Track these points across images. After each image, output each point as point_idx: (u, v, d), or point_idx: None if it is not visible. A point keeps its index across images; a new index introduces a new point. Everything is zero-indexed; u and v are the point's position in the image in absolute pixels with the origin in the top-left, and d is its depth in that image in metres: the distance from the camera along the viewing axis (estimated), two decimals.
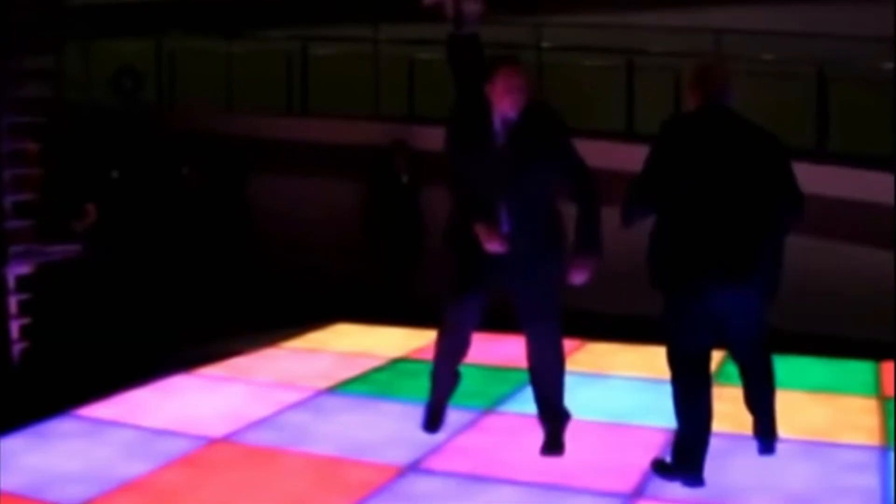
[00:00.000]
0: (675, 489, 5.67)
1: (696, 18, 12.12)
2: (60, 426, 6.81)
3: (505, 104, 6.10)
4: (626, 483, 5.84)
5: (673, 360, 5.73)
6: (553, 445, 6.20)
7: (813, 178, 10.50)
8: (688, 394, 5.67)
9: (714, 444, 5.75)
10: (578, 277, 5.99)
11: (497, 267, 6.02)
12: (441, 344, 6.42)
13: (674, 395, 5.72)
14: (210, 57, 14.28)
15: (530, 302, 6.13)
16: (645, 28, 12.39)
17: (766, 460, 6.14)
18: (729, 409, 6.37)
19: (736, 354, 6.08)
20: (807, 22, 11.84)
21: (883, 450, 6.48)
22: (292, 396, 7.53)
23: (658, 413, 6.68)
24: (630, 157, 10.25)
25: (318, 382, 7.92)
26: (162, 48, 14.52)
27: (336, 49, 13.79)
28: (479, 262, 6.04)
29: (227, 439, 6.58)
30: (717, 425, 5.77)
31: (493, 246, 5.93)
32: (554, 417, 6.26)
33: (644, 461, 6.05)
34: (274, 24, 14.45)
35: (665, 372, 5.76)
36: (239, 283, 11.80)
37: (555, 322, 6.16)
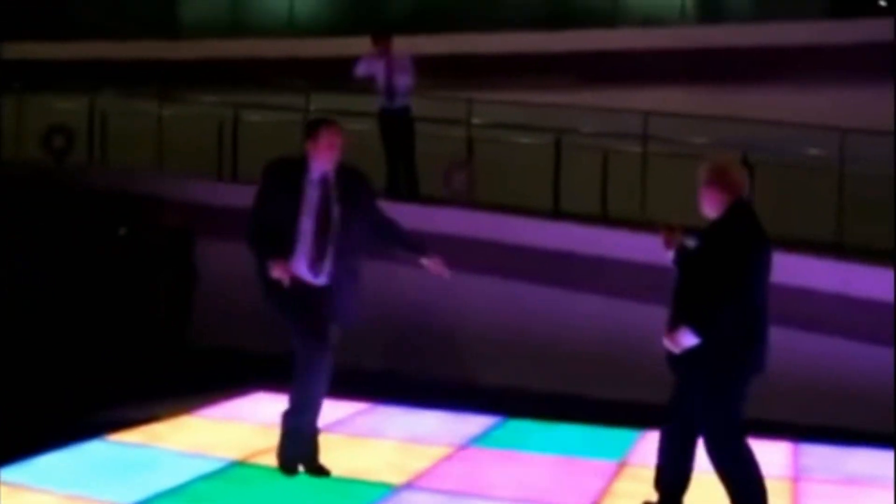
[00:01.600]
0: None
1: (625, 99, 12.31)
2: None
3: (325, 159, 6.90)
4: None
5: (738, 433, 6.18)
6: None
7: None
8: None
9: None
10: (443, 269, 7.03)
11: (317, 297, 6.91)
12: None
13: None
14: (142, 118, 14.27)
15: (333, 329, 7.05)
16: (575, 108, 12.57)
17: None
18: None
19: None
20: (733, 106, 12.07)
21: None
22: (205, 466, 7.43)
23: None
24: (556, 235, 10.48)
25: (232, 453, 7.82)
26: (94, 107, 14.48)
27: (267, 116, 13.84)
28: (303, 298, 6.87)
29: None
30: None
31: (279, 272, 6.67)
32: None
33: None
34: (207, 88, 14.49)
35: None
36: (170, 347, 11.73)
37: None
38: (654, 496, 6.52)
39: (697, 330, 6.03)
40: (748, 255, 6.14)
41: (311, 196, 6.88)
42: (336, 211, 6.91)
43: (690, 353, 6.08)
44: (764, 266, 6.23)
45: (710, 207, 6.32)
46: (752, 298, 6.14)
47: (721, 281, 6.06)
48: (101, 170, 14.07)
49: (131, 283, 12.11)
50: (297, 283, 6.77)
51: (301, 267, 6.86)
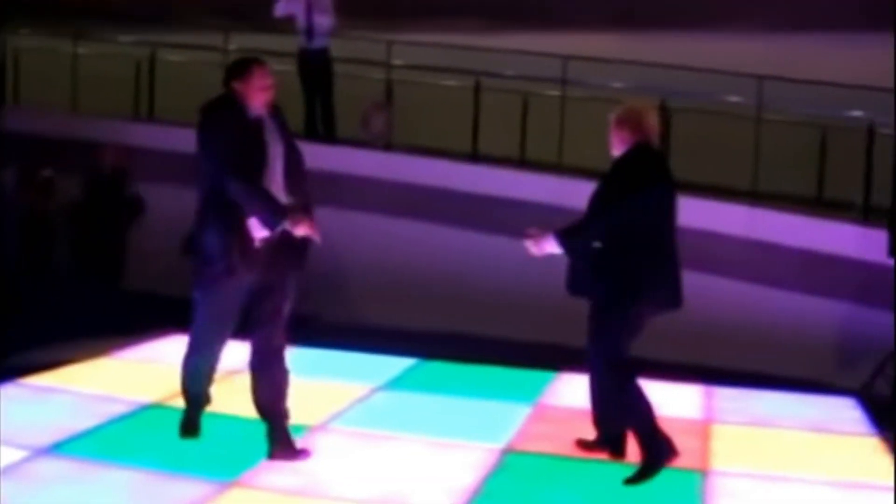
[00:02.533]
0: None
1: (545, 43, 12.30)
2: None
3: (259, 100, 6.36)
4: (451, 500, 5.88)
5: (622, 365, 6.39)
6: None
7: None
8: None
9: None
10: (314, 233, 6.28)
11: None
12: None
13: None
14: (57, 58, 14.03)
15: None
16: (495, 51, 12.56)
17: (586, 482, 6.26)
18: None
19: None
20: (653, 52, 12.11)
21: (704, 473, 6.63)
22: (120, 409, 7.38)
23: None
24: (474, 177, 10.46)
25: (147, 395, 7.78)
26: (6, 45, 14.20)
27: (185, 56, 13.67)
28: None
29: (49, 451, 6.43)
30: None
31: (306, 229, 6.22)
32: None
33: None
34: (122, 28, 14.27)
35: None
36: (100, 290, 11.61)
37: None
38: (573, 436, 6.66)
39: (561, 239, 6.32)
40: (640, 190, 6.30)
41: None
42: (280, 154, 6.39)
43: (585, 286, 6.41)
44: (664, 206, 6.38)
45: (618, 148, 6.50)
46: (650, 236, 6.28)
47: (602, 206, 6.35)
48: (15, 111, 13.83)
49: (64, 225, 11.92)
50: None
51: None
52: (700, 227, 10.42)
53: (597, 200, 6.44)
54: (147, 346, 9.51)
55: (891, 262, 9.03)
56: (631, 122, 6.48)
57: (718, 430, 7.65)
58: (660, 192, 6.38)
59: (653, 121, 6.59)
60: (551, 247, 6.34)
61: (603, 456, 6.64)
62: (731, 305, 10.15)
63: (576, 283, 6.50)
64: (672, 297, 6.46)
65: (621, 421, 6.53)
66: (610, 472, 6.49)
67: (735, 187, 11.06)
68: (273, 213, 6.08)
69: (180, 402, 7.48)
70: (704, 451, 7.17)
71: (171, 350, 9.40)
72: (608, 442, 6.65)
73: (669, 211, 6.43)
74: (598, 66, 12.12)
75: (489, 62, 12.05)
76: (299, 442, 6.54)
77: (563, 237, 6.32)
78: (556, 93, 11.88)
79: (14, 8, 14.91)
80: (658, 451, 6.34)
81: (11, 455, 6.27)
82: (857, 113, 10.77)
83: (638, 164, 6.41)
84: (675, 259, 6.43)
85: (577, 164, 11.12)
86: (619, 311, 6.32)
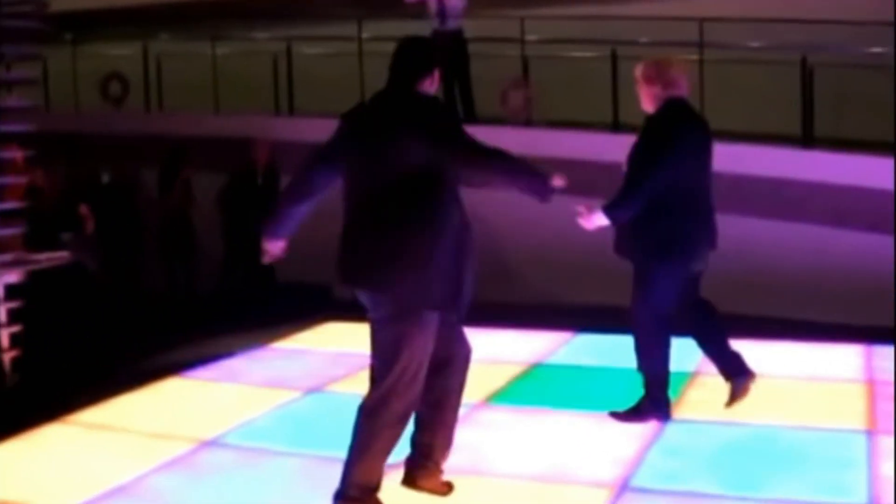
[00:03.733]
0: (664, 480, 5.70)
1: (680, 8, 12.12)
2: (52, 432, 6.82)
3: None
4: (616, 472, 5.87)
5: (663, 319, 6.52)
6: None
7: (801, 163, 10.61)
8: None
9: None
10: None
11: None
12: None
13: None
14: (195, 60, 14.30)
15: None
16: (629, 18, 12.43)
17: (753, 446, 6.19)
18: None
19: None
20: (790, 8, 11.85)
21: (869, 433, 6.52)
22: (283, 397, 7.54)
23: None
24: (617, 148, 10.30)
25: (308, 382, 7.92)
26: (148, 53, 14.52)
27: (321, 48, 13.82)
28: None
29: (217, 441, 6.59)
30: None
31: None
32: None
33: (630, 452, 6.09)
34: (257, 25, 14.48)
35: None
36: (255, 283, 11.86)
37: None
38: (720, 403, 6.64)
39: (608, 212, 6.36)
40: (678, 150, 6.33)
41: None
42: None
43: (628, 247, 6.53)
44: (701, 160, 6.47)
45: (648, 103, 6.59)
46: (689, 192, 6.39)
47: (642, 169, 6.36)
48: (158, 115, 14.16)
49: (218, 222, 12.16)
50: None
51: None
52: (850, 183, 10.21)
53: (636, 163, 6.45)
54: (300, 336, 9.68)
55: None
56: (661, 77, 6.53)
57: (881, 391, 7.48)
58: (695, 147, 6.45)
59: (678, 73, 6.61)
60: (602, 220, 6.41)
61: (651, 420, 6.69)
62: (887, 261, 9.90)
63: (621, 244, 6.61)
64: (710, 243, 6.59)
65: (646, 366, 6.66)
66: (768, 435, 6.43)
67: (882, 139, 10.78)
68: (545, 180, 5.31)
69: (341, 388, 7.64)
70: (870, 411, 7.03)
71: (326, 338, 9.60)
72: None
73: (706, 163, 6.53)
74: (735, 27, 11.92)
75: (624, 30, 11.91)
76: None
77: (610, 211, 6.38)
78: (693, 56, 11.72)
79: (152, 15, 15.27)
80: (657, 406, 6.66)
81: (180, 446, 6.45)
82: None
83: (672, 122, 6.43)
84: (712, 207, 6.56)
85: (720, 127, 10.93)
86: (665, 271, 6.43)
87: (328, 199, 5.49)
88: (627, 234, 6.51)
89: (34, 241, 8.72)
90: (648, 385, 6.68)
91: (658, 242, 6.39)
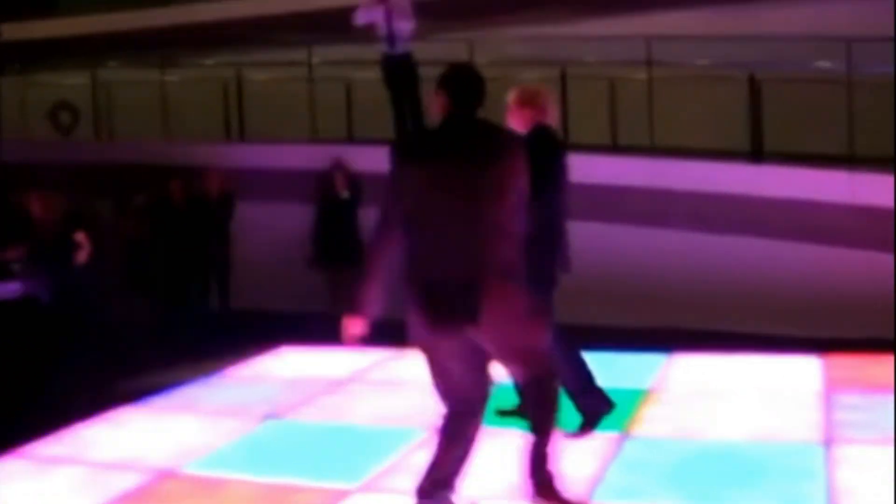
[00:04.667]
0: (624, 494, 5.70)
1: (627, 26, 12.22)
2: (7, 466, 6.75)
3: None
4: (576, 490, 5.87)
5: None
6: None
7: (750, 178, 10.70)
8: None
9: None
10: None
11: None
12: None
13: None
14: (145, 87, 14.26)
15: None
16: (577, 39, 12.50)
17: (712, 461, 6.22)
18: None
19: None
20: (736, 25, 11.97)
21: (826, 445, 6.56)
22: (239, 424, 7.49)
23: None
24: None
25: (264, 409, 7.88)
26: (97, 81, 14.47)
27: (271, 74, 13.81)
28: None
29: (175, 471, 6.54)
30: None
31: None
32: None
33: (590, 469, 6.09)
34: (207, 51, 14.45)
35: None
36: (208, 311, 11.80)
37: None
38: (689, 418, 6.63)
39: None
40: (546, 181, 6.30)
41: None
42: None
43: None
44: (559, 186, 6.60)
45: (519, 126, 6.62)
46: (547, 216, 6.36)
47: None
48: (109, 143, 14.09)
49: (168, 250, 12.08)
50: None
51: None
52: (802, 197, 10.31)
53: None
54: (257, 363, 9.63)
55: None
56: (533, 102, 6.76)
57: (837, 401, 7.54)
58: (558, 175, 6.65)
59: (551, 102, 6.93)
60: None
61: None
62: (842, 274, 9.99)
63: None
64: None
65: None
66: (726, 449, 6.47)
67: (832, 153, 10.89)
68: None
69: (295, 415, 7.61)
70: (825, 422, 7.08)
71: (282, 364, 9.56)
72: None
73: (564, 188, 6.73)
74: (683, 45, 12.01)
75: (572, 50, 11.99)
76: None
77: None
78: (642, 75, 11.81)
79: (100, 43, 15.20)
80: (595, 406, 6.81)
81: (137, 478, 6.40)
82: None
83: (541, 151, 6.39)
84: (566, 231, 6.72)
85: (669, 145, 11.04)
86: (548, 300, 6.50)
87: (287, 226, 5.49)
88: None
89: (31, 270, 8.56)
90: (575, 398, 6.72)
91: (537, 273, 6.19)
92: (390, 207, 5.21)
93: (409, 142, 5.33)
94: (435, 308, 5.05)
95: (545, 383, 5.35)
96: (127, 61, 14.77)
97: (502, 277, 5.05)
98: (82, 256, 10.15)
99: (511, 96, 6.83)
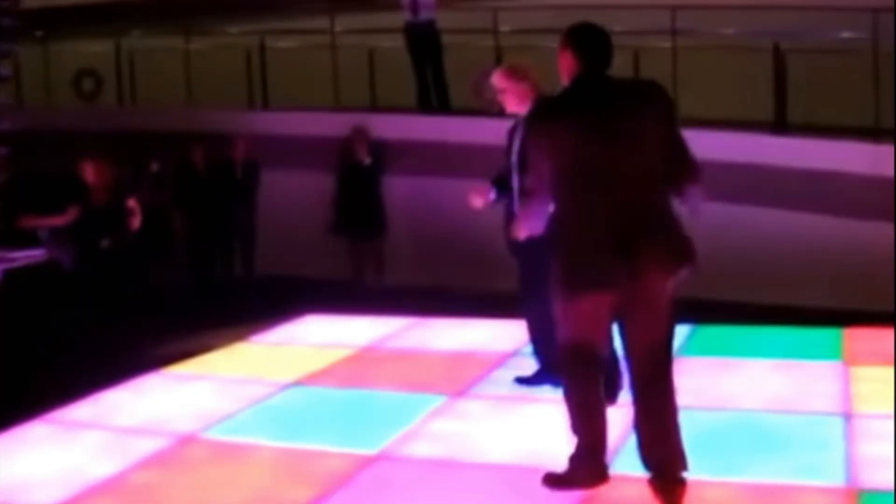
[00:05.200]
0: (639, 466, 5.71)
1: None
2: (32, 430, 6.81)
3: None
4: None
5: None
6: None
7: (773, 149, 10.65)
8: None
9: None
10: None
11: None
12: None
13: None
14: (169, 55, 14.26)
15: None
16: (602, 7, 12.42)
17: (731, 430, 6.23)
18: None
19: None
20: None
21: (845, 417, 6.56)
22: (262, 391, 7.54)
23: None
24: None
25: (287, 376, 7.93)
26: (120, 49, 14.48)
27: (294, 41, 13.80)
28: None
29: (196, 436, 6.59)
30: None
31: None
32: None
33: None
34: (230, 19, 14.44)
35: None
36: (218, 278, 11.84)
37: None
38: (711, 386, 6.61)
39: None
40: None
41: None
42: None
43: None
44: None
45: (522, 103, 6.74)
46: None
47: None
48: (131, 110, 14.13)
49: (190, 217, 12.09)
50: None
51: None
52: (824, 168, 10.26)
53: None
54: (281, 330, 9.67)
55: None
56: (530, 76, 6.78)
57: (858, 373, 7.53)
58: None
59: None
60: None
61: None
62: (862, 245, 9.96)
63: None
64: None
65: None
66: (746, 419, 6.49)
67: (857, 125, 10.83)
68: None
69: (318, 381, 7.66)
70: (845, 393, 7.08)
71: (305, 331, 9.60)
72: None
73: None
74: (707, 14, 11.96)
75: (597, 18, 11.90)
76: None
77: None
78: (666, 44, 11.76)
79: (124, 11, 15.21)
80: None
81: (160, 442, 6.45)
82: None
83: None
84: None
85: (693, 115, 10.99)
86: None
87: (310, 193, 5.50)
88: None
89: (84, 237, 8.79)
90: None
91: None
92: (537, 178, 5.14)
93: (551, 105, 5.29)
94: (599, 264, 4.98)
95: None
96: (150, 29, 14.76)
97: (665, 231, 5.05)
98: (135, 223, 10.23)
99: (502, 75, 6.84)
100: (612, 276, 4.99)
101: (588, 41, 5.23)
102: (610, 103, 5.10)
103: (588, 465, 5.37)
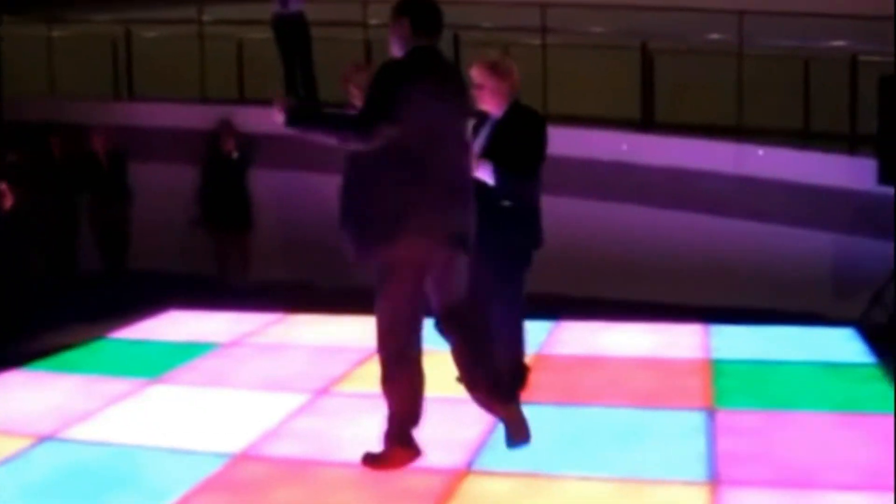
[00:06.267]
0: (507, 462, 5.70)
1: None
2: None
3: None
4: (457, 458, 5.86)
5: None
6: None
7: (639, 147, 10.77)
8: None
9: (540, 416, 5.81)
10: None
11: None
12: None
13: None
14: (31, 43, 13.92)
15: None
16: (473, 2, 12.44)
17: (595, 426, 6.25)
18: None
19: None
20: None
21: (709, 412, 6.63)
22: (122, 388, 7.36)
23: None
24: None
25: (148, 373, 7.76)
26: None
27: (161, 31, 13.56)
28: None
29: (55, 435, 6.41)
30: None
31: None
32: None
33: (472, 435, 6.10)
34: (96, 8, 14.13)
35: None
36: (73, 271, 11.56)
37: None
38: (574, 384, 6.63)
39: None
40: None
41: None
42: None
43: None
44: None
45: (500, 103, 6.37)
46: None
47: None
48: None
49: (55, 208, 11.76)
50: None
51: None
52: (690, 167, 10.40)
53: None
54: (143, 326, 9.47)
55: (880, 189, 8.98)
56: (513, 74, 6.42)
57: (721, 369, 7.64)
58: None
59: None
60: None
61: None
62: (726, 243, 10.13)
63: None
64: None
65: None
66: (609, 416, 6.54)
67: (722, 125, 11.00)
68: None
69: (180, 380, 7.51)
70: (708, 390, 7.16)
71: (168, 327, 9.41)
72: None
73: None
74: (577, 12, 12.04)
75: (466, 15, 11.94)
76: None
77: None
78: (536, 41, 11.81)
79: None
80: None
81: (17, 443, 6.25)
82: (838, 42, 10.70)
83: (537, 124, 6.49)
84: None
85: (562, 112, 11.06)
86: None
87: (176, 187, 5.39)
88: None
89: None
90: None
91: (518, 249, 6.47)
92: (382, 121, 5.14)
93: (417, 68, 5.28)
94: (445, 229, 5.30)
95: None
96: (13, 16, 14.38)
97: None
98: (7, 203, 9.91)
99: (484, 71, 6.35)
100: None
101: (425, 12, 5.39)
102: (454, 89, 5.37)
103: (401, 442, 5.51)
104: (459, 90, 5.52)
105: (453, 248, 5.41)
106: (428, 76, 5.28)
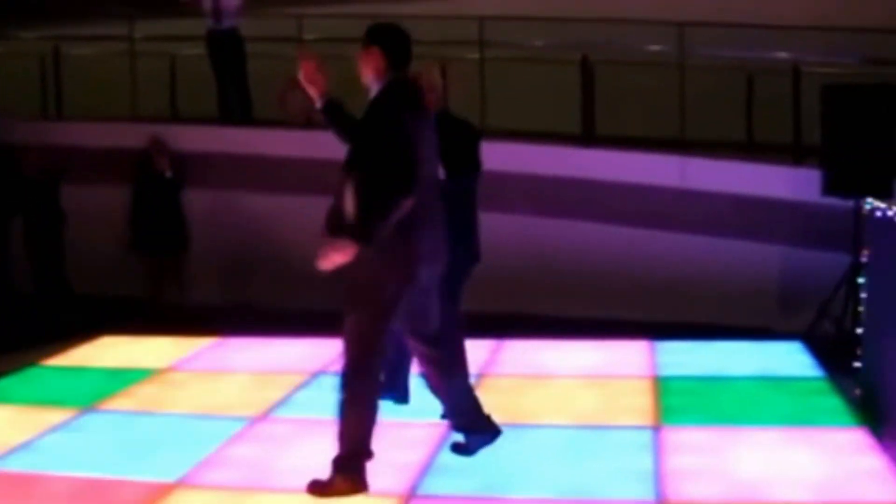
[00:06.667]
0: (451, 486, 5.57)
1: (460, 7, 12.09)
2: None
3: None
4: (402, 482, 5.71)
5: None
6: None
7: (581, 161, 10.67)
8: None
9: None
10: None
11: None
12: None
13: None
14: None
15: None
16: (408, 17, 12.30)
17: (540, 446, 6.13)
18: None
19: None
20: (570, 7, 11.93)
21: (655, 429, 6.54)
22: (56, 417, 7.12)
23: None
24: None
25: (82, 401, 7.52)
26: None
27: (91, 48, 13.31)
28: None
29: None
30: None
31: None
32: None
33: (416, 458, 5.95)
34: (23, 24, 13.84)
35: None
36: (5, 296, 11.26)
37: None
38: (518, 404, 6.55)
39: None
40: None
41: None
42: None
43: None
44: None
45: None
46: None
47: None
48: None
49: None
50: None
51: None
52: (632, 181, 10.32)
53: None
54: (75, 352, 9.22)
55: (825, 200, 8.93)
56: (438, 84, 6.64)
57: (667, 385, 7.55)
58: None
59: None
60: None
61: None
62: (670, 258, 10.06)
63: None
64: None
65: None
66: (555, 435, 6.45)
67: (664, 137, 10.94)
68: None
69: (114, 406, 7.30)
70: (654, 407, 7.07)
71: (101, 353, 9.18)
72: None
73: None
74: (515, 26, 11.96)
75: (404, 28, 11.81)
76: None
77: None
78: (474, 55, 11.70)
79: None
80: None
81: None
82: (781, 53, 10.68)
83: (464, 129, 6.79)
84: None
85: (501, 127, 10.96)
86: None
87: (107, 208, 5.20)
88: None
89: None
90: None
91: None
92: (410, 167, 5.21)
93: (403, 107, 5.38)
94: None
95: None
96: None
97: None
98: None
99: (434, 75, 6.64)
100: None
101: (395, 41, 5.49)
102: (424, 105, 5.56)
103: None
104: (430, 118, 5.65)
105: (433, 270, 5.49)
106: (410, 112, 5.37)
